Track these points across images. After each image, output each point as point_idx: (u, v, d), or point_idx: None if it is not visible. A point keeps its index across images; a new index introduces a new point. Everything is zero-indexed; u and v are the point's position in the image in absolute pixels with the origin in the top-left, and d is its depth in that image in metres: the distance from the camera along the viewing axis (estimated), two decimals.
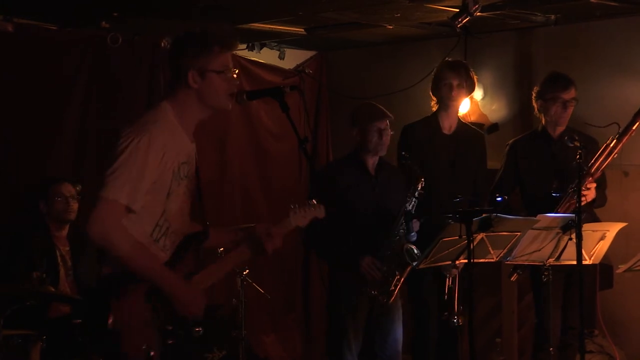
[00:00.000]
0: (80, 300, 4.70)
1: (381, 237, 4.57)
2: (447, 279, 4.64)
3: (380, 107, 4.76)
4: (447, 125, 5.02)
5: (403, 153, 4.70)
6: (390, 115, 4.70)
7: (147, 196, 3.09)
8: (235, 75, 3.27)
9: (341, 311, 4.64)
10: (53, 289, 4.77)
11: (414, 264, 4.44)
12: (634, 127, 4.66)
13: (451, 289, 4.59)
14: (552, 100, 4.92)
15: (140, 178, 3.05)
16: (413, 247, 4.54)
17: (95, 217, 3.02)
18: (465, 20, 4.91)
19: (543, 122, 5.03)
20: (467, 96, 5.19)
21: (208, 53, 3.20)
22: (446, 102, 4.96)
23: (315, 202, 3.58)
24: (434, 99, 5.03)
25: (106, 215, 3.02)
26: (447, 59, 5.19)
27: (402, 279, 4.58)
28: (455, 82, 4.92)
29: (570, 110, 4.93)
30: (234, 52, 3.43)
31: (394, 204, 4.65)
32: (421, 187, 4.60)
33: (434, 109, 5.05)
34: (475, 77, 5.03)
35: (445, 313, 4.59)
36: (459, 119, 5.10)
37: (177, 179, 3.19)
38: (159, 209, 3.17)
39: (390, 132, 4.68)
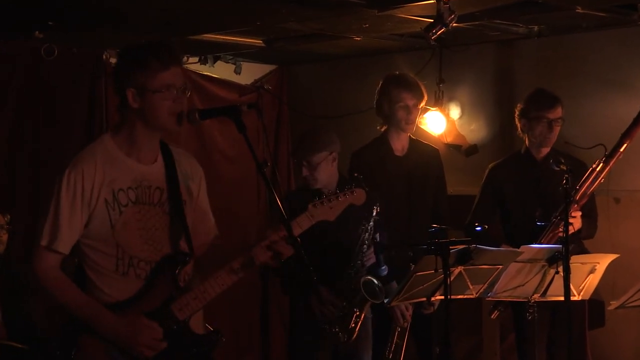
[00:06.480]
0: (12, 347, 4.61)
1: (338, 270, 4.57)
2: (395, 332, 4.65)
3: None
4: (400, 147, 5.02)
5: (355, 175, 4.65)
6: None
7: (91, 233, 3.21)
8: (184, 93, 3.27)
9: (304, 354, 4.63)
10: None
11: (386, 300, 4.40)
12: (621, 149, 4.69)
13: (398, 346, 4.57)
14: (537, 119, 4.94)
15: (57, 217, 3.17)
16: (371, 278, 4.50)
17: (32, 264, 3.23)
18: (440, 32, 4.91)
19: (527, 143, 5.06)
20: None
21: (146, 70, 3.20)
22: (403, 126, 4.94)
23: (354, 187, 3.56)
24: (382, 120, 5.00)
25: (37, 262, 3.22)
26: (395, 73, 5.14)
27: (363, 315, 4.55)
28: (411, 103, 4.91)
29: (556, 130, 4.95)
30: (185, 66, 3.46)
31: (353, 233, 4.64)
32: (376, 212, 4.58)
33: (382, 129, 5.02)
34: (424, 88, 4.99)
35: None
36: (409, 136, 5.07)
37: (117, 208, 3.22)
38: (110, 243, 3.23)
39: None
